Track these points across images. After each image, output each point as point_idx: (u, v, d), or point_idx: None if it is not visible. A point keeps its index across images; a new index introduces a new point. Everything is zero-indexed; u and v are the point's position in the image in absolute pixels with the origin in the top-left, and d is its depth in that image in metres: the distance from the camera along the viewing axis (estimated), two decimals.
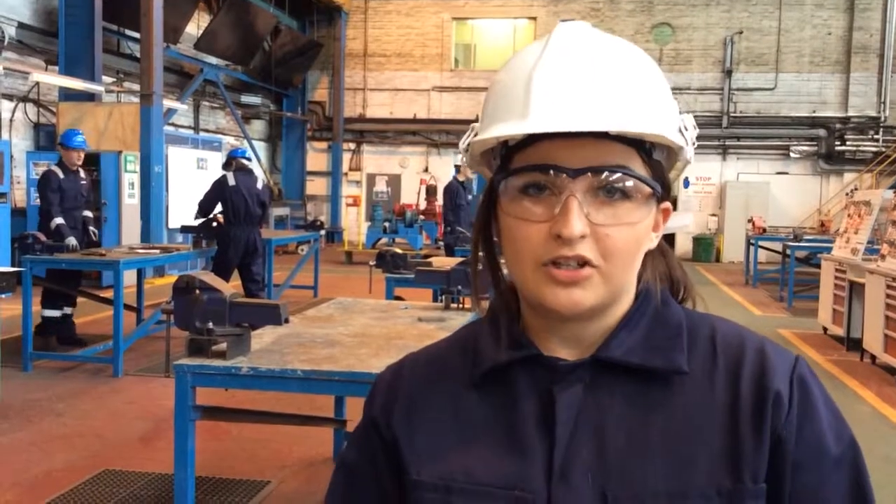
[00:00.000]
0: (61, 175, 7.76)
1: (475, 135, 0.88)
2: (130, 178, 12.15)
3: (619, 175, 0.81)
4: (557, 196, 0.81)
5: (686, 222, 19.45)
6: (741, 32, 19.52)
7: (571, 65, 0.81)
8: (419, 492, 0.88)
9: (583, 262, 0.81)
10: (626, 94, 0.80)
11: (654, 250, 0.92)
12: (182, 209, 13.05)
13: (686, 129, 0.86)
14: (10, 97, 12.24)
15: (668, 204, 0.89)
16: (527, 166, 0.83)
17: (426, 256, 7.27)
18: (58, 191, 7.67)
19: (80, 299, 8.22)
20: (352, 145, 21.47)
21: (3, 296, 5.74)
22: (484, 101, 0.88)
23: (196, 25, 16.53)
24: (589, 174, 0.81)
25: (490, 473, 0.85)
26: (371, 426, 0.96)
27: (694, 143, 0.88)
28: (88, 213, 8.26)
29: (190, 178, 14.02)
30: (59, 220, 7.59)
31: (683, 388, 0.86)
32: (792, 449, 0.83)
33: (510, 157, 0.86)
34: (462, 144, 0.91)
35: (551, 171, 0.81)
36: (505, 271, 0.93)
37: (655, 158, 0.86)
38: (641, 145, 0.83)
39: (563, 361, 0.87)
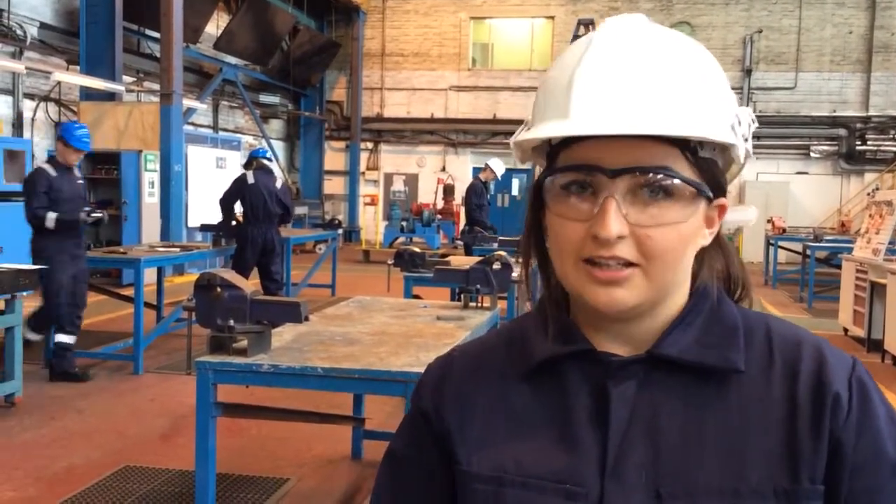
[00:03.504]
0: (53, 173, 6.46)
1: (527, 129, 0.88)
2: (150, 177, 12.24)
3: (660, 175, 0.80)
4: (599, 195, 0.81)
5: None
6: (761, 31, 19.39)
7: (613, 64, 0.80)
8: (471, 483, 0.89)
9: (624, 263, 0.81)
10: (668, 93, 0.79)
11: (713, 247, 0.91)
12: (201, 208, 13.13)
13: (740, 125, 0.84)
14: (31, 97, 12.35)
15: (723, 200, 0.88)
16: (568, 166, 0.83)
17: (444, 255, 7.28)
18: (47, 192, 6.35)
19: (101, 297, 8.28)
20: (369, 144, 21.51)
21: (25, 293, 5.79)
22: (536, 95, 0.89)
23: (215, 25, 16.62)
24: (628, 175, 0.80)
25: (542, 466, 0.85)
26: (421, 417, 0.96)
27: (747, 141, 0.86)
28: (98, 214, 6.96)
29: (209, 177, 14.11)
30: (53, 214, 6.29)
31: (739, 387, 0.85)
32: (850, 452, 0.82)
33: (556, 154, 0.86)
34: (513, 140, 0.91)
35: (594, 172, 0.81)
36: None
37: (703, 156, 0.84)
38: (686, 144, 0.82)
39: (616, 357, 0.87)
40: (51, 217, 6.28)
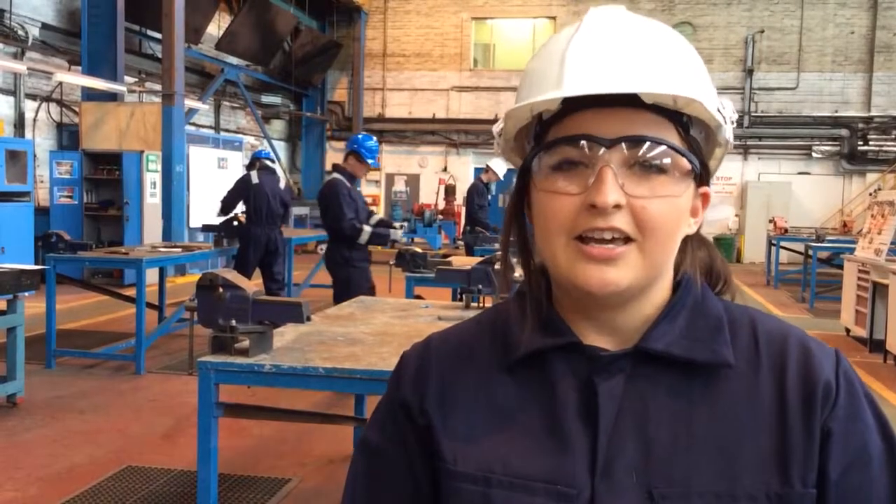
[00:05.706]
0: (348, 184, 6.48)
1: (502, 123, 0.87)
2: (152, 178, 12.25)
3: (656, 148, 0.80)
4: (591, 169, 0.79)
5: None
6: (762, 31, 19.37)
7: (605, 38, 0.80)
8: (457, 482, 0.85)
9: (619, 238, 0.79)
10: (660, 61, 0.79)
11: (694, 239, 0.90)
12: (203, 208, 13.14)
13: (724, 108, 0.85)
14: (33, 97, 12.37)
15: (707, 189, 0.87)
16: (561, 138, 0.81)
17: (445, 256, 7.27)
18: (352, 203, 6.37)
19: (102, 297, 8.28)
20: None
21: (28, 293, 5.80)
22: (518, 86, 0.87)
23: (217, 26, 16.63)
24: (623, 144, 0.79)
25: (530, 466, 0.83)
26: (400, 408, 0.92)
27: (733, 124, 0.86)
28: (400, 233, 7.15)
29: (211, 177, 14.12)
30: (369, 228, 6.42)
31: (728, 382, 0.84)
32: (841, 444, 0.81)
33: (545, 133, 0.84)
34: (496, 128, 0.89)
35: (585, 143, 0.79)
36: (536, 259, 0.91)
37: (693, 135, 0.84)
38: (678, 119, 0.82)
39: (603, 351, 0.85)
40: (367, 231, 6.38)
